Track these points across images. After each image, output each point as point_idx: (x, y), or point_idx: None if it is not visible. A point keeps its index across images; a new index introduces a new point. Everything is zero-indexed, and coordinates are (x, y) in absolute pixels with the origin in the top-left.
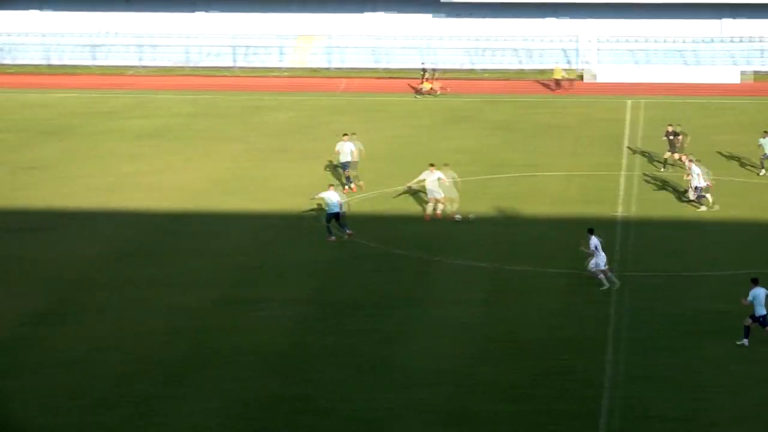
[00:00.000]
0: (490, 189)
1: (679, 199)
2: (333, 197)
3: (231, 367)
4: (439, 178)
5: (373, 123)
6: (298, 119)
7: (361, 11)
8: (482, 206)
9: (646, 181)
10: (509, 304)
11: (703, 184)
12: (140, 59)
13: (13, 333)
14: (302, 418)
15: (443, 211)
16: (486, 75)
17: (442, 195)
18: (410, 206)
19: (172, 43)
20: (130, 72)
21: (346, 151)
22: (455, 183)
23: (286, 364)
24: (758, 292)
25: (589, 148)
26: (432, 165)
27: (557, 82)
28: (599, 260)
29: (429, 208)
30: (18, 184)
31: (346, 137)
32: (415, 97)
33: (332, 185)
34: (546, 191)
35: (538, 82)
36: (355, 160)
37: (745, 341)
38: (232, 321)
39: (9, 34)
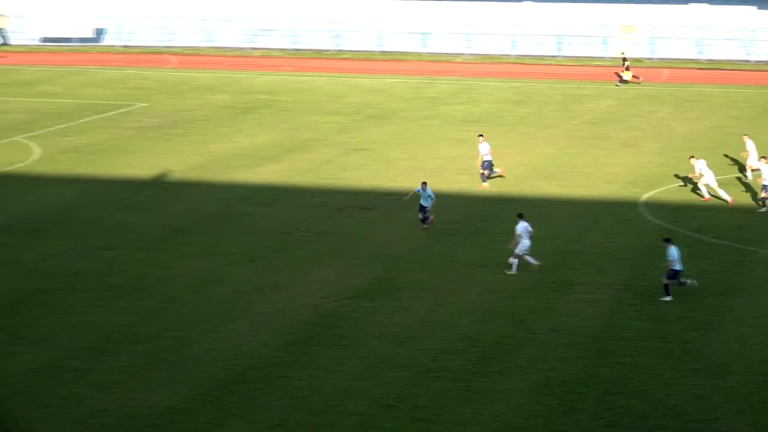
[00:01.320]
0: None
1: None
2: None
3: (546, 347)
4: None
5: (693, 113)
6: (618, 108)
7: (686, 2)
8: None
9: None
10: None
11: None
12: (468, 47)
13: (340, 306)
14: (612, 400)
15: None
16: None
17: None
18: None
19: (499, 32)
20: (458, 59)
21: (485, 151)
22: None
23: (599, 347)
24: (672, 250)
25: None
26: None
27: None
28: None
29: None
30: (348, 164)
31: (481, 138)
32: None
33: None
34: None
35: None
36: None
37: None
38: (547, 302)
39: (345, 22)
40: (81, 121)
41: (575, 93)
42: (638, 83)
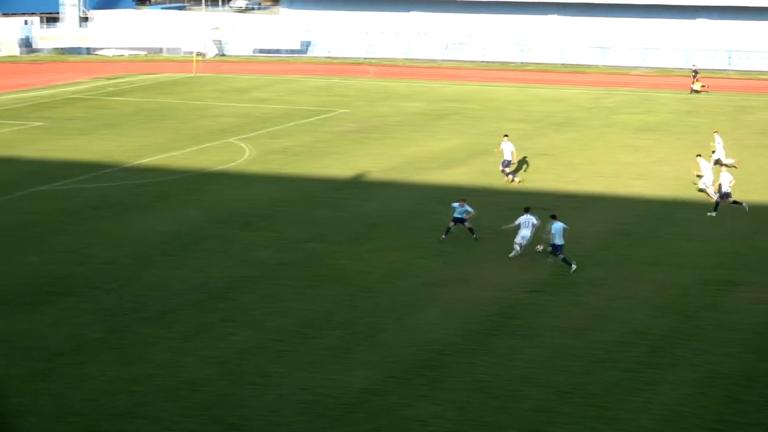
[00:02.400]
0: None
1: None
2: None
3: (712, 342)
4: None
5: None
6: None
7: None
8: None
9: None
10: None
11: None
12: (644, 60)
13: (521, 299)
14: None
15: None
16: None
17: None
18: None
19: (673, 47)
20: (635, 72)
21: (507, 150)
22: None
23: (762, 342)
24: (557, 226)
25: None
26: None
27: None
28: None
29: None
30: (532, 168)
31: (506, 137)
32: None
33: None
34: None
35: None
36: (511, 159)
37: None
38: (714, 300)
39: (529, 36)
40: (288, 124)
41: (743, 104)
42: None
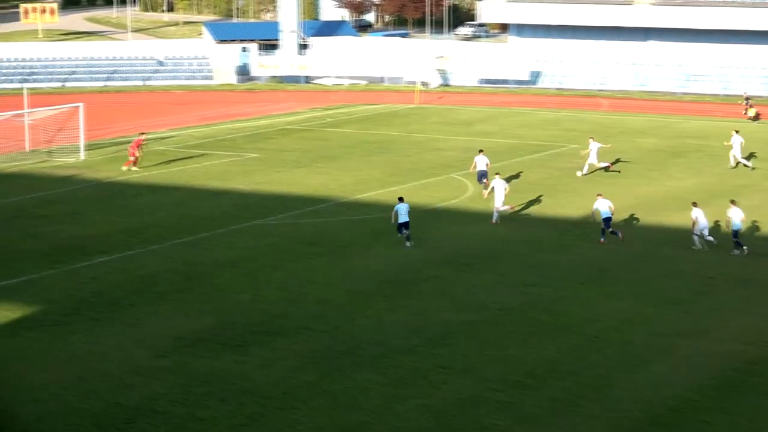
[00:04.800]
0: None
1: None
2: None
3: None
4: None
5: None
6: None
7: None
8: None
9: None
10: None
11: None
12: None
13: (765, 353)
14: None
15: None
16: None
17: None
18: None
19: None
20: None
21: (482, 163)
22: None
23: None
24: (401, 206)
25: None
26: None
27: None
28: None
29: None
30: None
31: (481, 152)
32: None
33: None
34: None
35: None
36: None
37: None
38: None
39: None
40: (513, 160)
41: None
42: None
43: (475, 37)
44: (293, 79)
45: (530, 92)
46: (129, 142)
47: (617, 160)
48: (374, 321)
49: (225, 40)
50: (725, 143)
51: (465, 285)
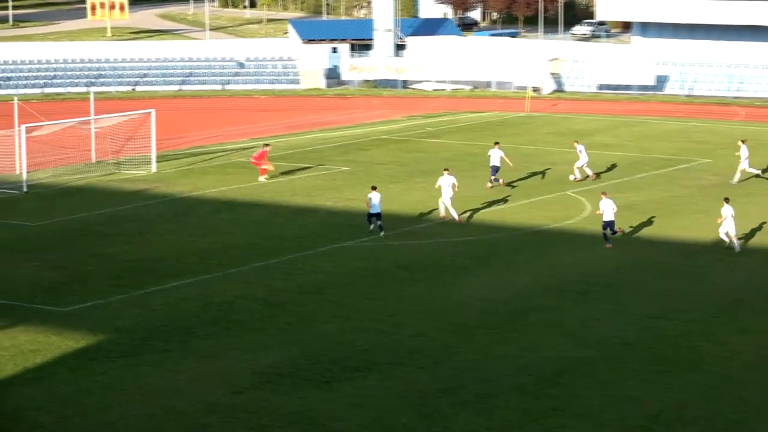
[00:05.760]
0: None
1: None
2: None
3: None
4: None
5: None
6: None
7: None
8: None
9: None
10: None
11: None
12: None
13: None
14: None
15: None
16: None
17: None
18: None
19: None
20: None
21: (495, 157)
22: None
23: None
24: (375, 194)
25: None
26: None
27: None
28: None
29: None
30: None
31: (497, 145)
32: None
33: None
34: None
35: None
36: (499, 165)
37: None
38: None
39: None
40: (636, 176)
41: None
42: None
43: (593, 37)
44: (389, 84)
45: (655, 99)
46: (205, 153)
47: (759, 174)
48: (478, 356)
49: (313, 40)
50: (736, 153)
51: (580, 316)
